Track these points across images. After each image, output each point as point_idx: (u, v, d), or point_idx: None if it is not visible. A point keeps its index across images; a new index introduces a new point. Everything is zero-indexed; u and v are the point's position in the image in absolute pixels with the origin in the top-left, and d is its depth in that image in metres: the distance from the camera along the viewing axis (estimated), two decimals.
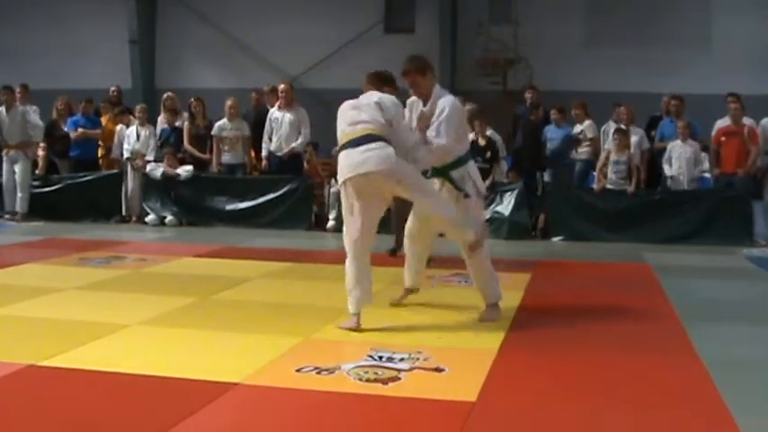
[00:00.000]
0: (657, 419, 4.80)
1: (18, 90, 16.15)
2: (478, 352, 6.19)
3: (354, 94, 7.43)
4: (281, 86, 15.18)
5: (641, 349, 6.49)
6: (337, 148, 7.24)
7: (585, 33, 20.78)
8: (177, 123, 15.95)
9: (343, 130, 7.11)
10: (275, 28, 22.10)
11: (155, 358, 5.93)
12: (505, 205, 13.91)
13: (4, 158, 15.53)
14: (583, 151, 14.86)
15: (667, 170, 14.17)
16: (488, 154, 13.89)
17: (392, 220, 11.17)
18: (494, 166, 13.91)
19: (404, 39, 21.50)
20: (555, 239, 13.75)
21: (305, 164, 15.30)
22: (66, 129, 16.55)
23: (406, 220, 8.07)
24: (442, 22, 21.14)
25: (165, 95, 16.67)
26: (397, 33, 21.82)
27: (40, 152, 16.46)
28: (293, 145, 14.72)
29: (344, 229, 7.10)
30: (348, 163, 6.90)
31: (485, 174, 13.64)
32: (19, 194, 15.49)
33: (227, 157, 15.38)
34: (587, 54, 20.47)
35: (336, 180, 7.33)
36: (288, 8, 22.17)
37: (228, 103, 15.43)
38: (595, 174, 14.21)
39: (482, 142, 13.88)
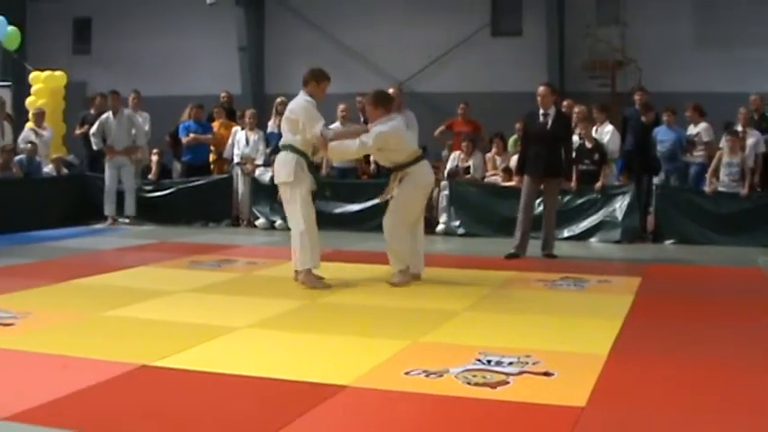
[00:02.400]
0: None
1: (132, 96, 16.47)
2: (588, 356, 6.13)
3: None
4: (390, 90, 15.17)
5: (755, 355, 6.34)
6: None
7: (695, 33, 20.41)
8: None
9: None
10: (382, 32, 22.19)
11: (264, 360, 6.00)
12: (617, 208, 13.74)
13: (108, 163, 15.80)
14: (698, 154, 14.55)
15: None
16: (596, 156, 13.76)
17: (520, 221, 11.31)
18: (602, 168, 13.77)
19: (511, 42, 21.43)
20: (666, 243, 13.53)
21: None
22: (179, 134, 16.86)
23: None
24: (549, 25, 20.98)
25: (278, 100, 16.81)
26: (504, 36, 21.73)
27: (154, 157, 16.78)
28: None
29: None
30: None
31: (593, 176, 13.58)
32: (128, 199, 15.80)
33: (338, 162, 15.43)
34: (697, 54, 20.11)
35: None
36: (395, 12, 22.24)
37: (341, 107, 15.52)
38: (708, 176, 13.95)
39: (588, 145, 13.75)
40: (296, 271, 9.30)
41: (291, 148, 9.26)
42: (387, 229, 9.30)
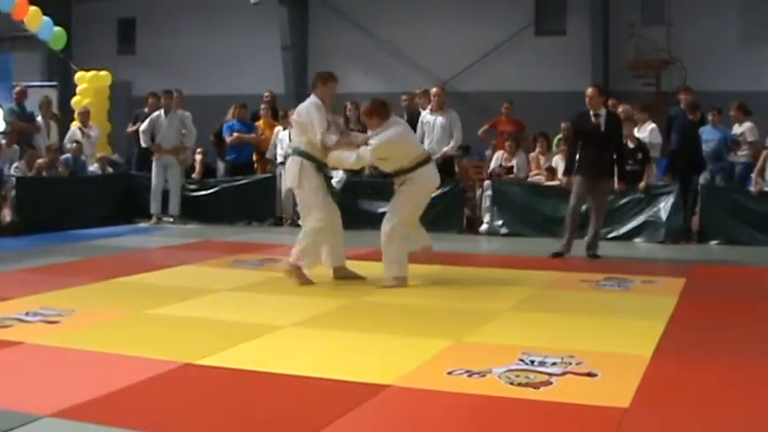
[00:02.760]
0: None
1: (175, 95, 16.56)
2: (631, 357, 6.09)
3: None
4: (434, 90, 15.18)
5: None
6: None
7: (740, 32, 20.19)
8: None
9: None
10: (426, 31, 22.15)
11: (307, 359, 6.02)
12: (661, 208, 13.66)
13: (155, 162, 15.89)
14: (743, 154, 14.44)
15: None
16: (639, 156, 13.68)
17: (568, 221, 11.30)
18: (645, 167, 13.69)
19: (555, 41, 21.33)
20: (711, 243, 13.42)
21: (456, 167, 15.28)
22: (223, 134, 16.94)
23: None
24: (593, 24, 20.85)
25: None
26: (548, 36, 21.62)
27: (198, 157, 16.87)
28: (445, 149, 14.70)
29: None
30: None
31: (636, 176, 13.49)
32: (172, 198, 15.90)
33: None
34: (742, 53, 19.88)
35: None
36: (438, 12, 22.19)
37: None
38: (753, 176, 13.82)
39: (631, 144, 13.67)
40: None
41: (298, 151, 9.38)
42: (384, 230, 9.24)
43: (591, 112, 11.56)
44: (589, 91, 11.68)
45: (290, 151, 15.65)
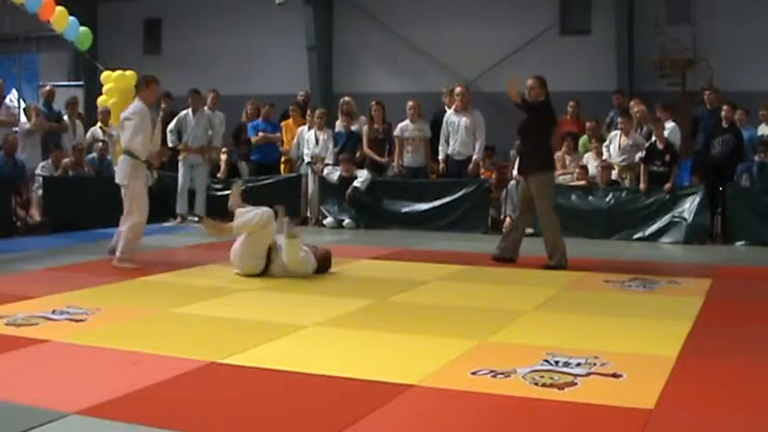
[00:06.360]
0: None
1: (211, 96, 16.59)
2: (657, 358, 6.06)
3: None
4: (457, 89, 15.18)
5: None
6: None
7: (767, 31, 20.07)
8: (353, 128, 16.18)
9: None
10: (450, 31, 22.12)
11: (331, 359, 6.02)
12: (686, 208, 13.62)
13: (181, 162, 15.94)
14: None
15: None
16: (667, 157, 13.65)
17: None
18: (673, 168, 13.66)
19: (580, 40, 21.25)
20: (737, 244, 13.36)
21: (481, 167, 15.27)
22: (244, 134, 17.00)
23: None
24: (618, 23, 20.76)
25: (342, 100, 16.91)
26: (573, 35, 21.55)
27: (223, 156, 16.91)
28: (475, 157, 14.70)
29: None
30: None
31: (665, 177, 13.46)
32: (198, 198, 15.95)
33: (408, 160, 15.47)
34: None
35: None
36: (463, 11, 22.16)
37: (410, 103, 15.55)
38: None
39: (660, 145, 13.64)
40: None
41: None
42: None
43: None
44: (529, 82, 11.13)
45: (316, 151, 15.81)
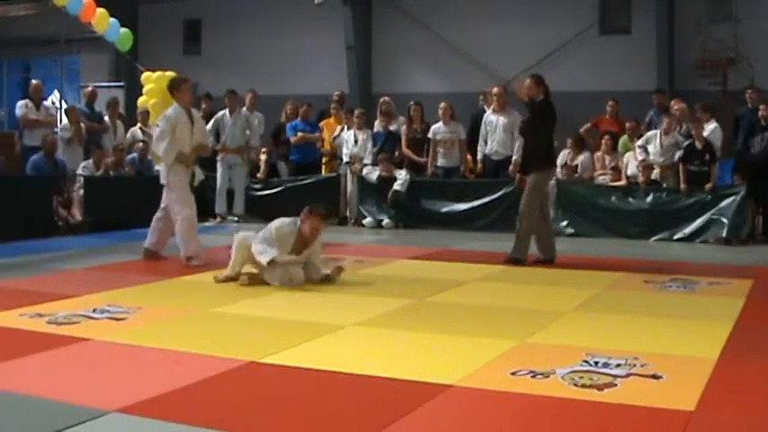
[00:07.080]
0: None
1: (249, 96, 16.68)
2: (697, 360, 6.02)
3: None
4: (495, 89, 15.18)
5: None
6: None
7: None
8: (392, 128, 16.20)
9: None
10: (489, 31, 22.07)
11: (370, 359, 6.03)
12: (727, 208, 13.52)
13: (219, 162, 16.02)
14: None
15: None
16: (706, 157, 13.56)
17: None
18: (711, 168, 13.58)
19: (620, 40, 21.13)
20: None
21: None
22: (283, 134, 17.06)
23: None
24: (658, 22, 20.62)
25: (381, 100, 16.93)
26: (613, 34, 21.43)
27: (262, 156, 16.98)
28: (515, 158, 14.68)
29: None
30: None
31: (704, 177, 13.37)
32: (237, 198, 16.03)
33: (442, 161, 15.50)
34: None
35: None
36: (502, 11, 22.10)
37: (442, 105, 15.55)
38: None
39: (699, 145, 13.55)
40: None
41: None
42: None
43: None
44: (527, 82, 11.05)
45: (355, 150, 15.87)
